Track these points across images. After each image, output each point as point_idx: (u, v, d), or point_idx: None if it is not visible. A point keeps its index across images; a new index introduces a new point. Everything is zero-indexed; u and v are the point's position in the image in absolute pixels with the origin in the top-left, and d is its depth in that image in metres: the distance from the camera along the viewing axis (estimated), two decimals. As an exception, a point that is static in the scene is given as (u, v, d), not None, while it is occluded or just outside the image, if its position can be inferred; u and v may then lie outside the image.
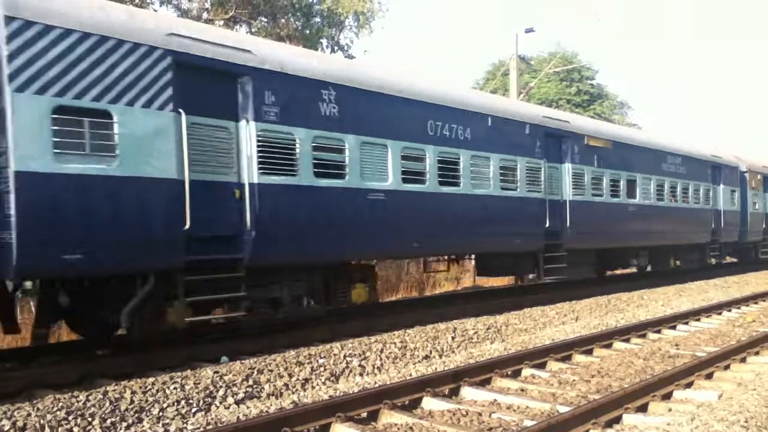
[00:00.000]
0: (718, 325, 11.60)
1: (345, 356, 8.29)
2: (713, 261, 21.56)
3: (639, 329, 10.69)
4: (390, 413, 6.13)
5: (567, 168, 14.31)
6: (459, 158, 11.57)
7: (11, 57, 6.52)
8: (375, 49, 48.51)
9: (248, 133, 8.43)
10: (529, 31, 25.59)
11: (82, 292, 8.01)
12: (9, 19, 6.52)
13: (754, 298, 15.12)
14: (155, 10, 19.72)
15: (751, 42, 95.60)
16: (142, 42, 7.47)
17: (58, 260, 6.77)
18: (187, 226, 7.66)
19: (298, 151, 8.99)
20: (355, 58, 22.35)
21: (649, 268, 19.82)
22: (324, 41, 22.91)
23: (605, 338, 9.85)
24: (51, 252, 6.74)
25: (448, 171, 11.38)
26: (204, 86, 8.09)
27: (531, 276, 14.57)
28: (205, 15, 20.19)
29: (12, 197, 6.50)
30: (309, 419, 5.74)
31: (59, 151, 6.76)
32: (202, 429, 5.96)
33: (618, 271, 19.99)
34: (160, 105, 7.56)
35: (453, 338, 9.75)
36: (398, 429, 5.85)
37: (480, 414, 6.20)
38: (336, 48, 23.20)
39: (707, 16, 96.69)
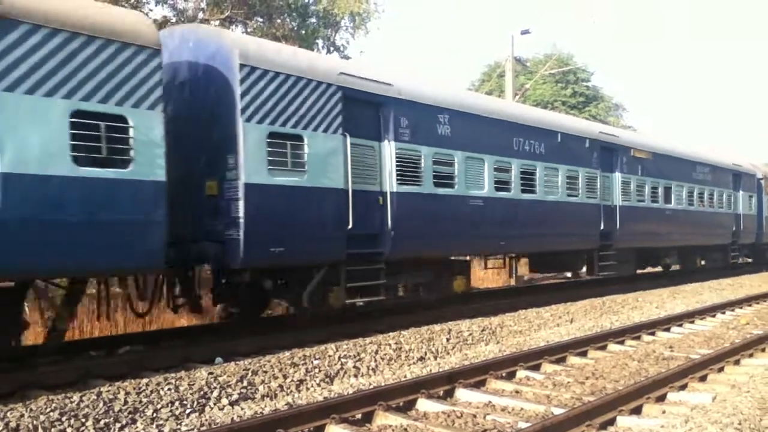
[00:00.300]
0: (712, 328, 11.63)
1: (340, 357, 8.28)
2: (738, 260, 23.82)
3: (633, 331, 10.72)
4: (384, 415, 6.12)
5: (617, 177, 16.43)
6: (535, 169, 13.63)
7: (242, 95, 8.54)
8: (371, 50, 48.57)
9: (389, 151, 10.53)
10: (524, 32, 25.62)
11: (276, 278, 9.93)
12: (242, 66, 8.58)
13: (748, 300, 15.18)
14: (150, 10, 19.68)
15: (746, 42, 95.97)
16: (323, 81, 9.54)
17: (268, 253, 8.74)
18: (350, 226, 9.70)
19: (422, 165, 11.04)
20: (351, 59, 22.34)
21: (677, 267, 21.85)
22: (320, 42, 22.89)
23: (600, 340, 9.87)
24: (264, 246, 8.69)
25: (527, 180, 13.42)
26: (359, 113, 10.10)
27: (582, 271, 16.93)
28: (200, 15, 20.15)
29: (241, 203, 8.45)
30: (303, 420, 5.73)
31: (272, 167, 8.78)
32: (196, 430, 5.95)
33: (648, 270, 21.20)
34: (333, 130, 9.62)
35: (448, 340, 9.76)
36: (393, 430, 5.85)
37: (474, 416, 6.20)
38: (332, 49, 23.19)
39: (702, 16, 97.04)
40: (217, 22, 19.84)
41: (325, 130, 9.47)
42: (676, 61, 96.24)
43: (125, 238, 7.37)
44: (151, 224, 7.57)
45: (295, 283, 9.81)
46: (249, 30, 21.27)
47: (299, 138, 9.14)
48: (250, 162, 8.51)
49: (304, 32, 22.23)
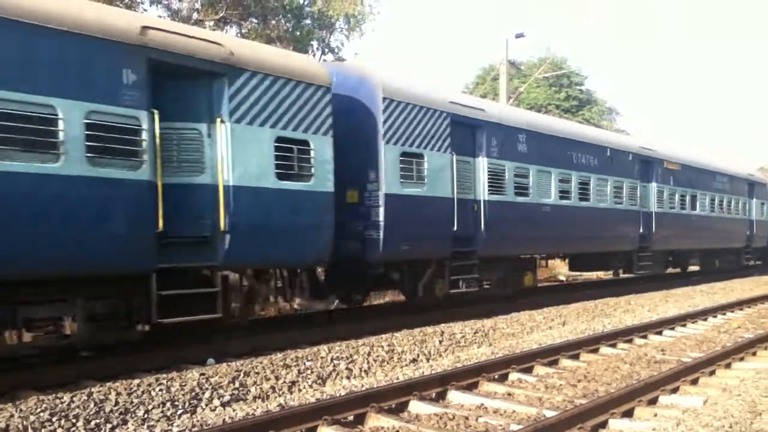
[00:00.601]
0: (704, 331, 11.67)
1: (332, 359, 8.26)
2: (751, 263, 25.95)
3: (625, 334, 10.74)
4: (377, 416, 6.11)
5: (653, 186, 18.66)
6: (590, 180, 15.77)
7: (384, 122, 10.66)
8: (365, 52, 48.60)
9: (482, 165, 12.71)
10: (519, 36, 25.71)
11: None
12: (383, 99, 10.68)
13: (740, 304, 15.24)
14: (145, 10, 19.64)
15: (741, 43, 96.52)
16: (438, 108, 11.71)
17: (399, 250, 10.88)
18: (455, 228, 11.83)
19: (506, 177, 13.11)
20: (345, 60, 22.33)
21: (696, 268, 24.11)
22: (314, 43, 22.89)
23: (592, 343, 9.89)
24: (396, 245, 10.78)
25: (583, 190, 15.56)
26: (461, 134, 12.20)
27: (620, 270, 19.13)
28: (195, 15, 20.11)
29: (381, 210, 10.58)
30: (295, 422, 5.72)
31: (403, 180, 10.96)
32: (187, 431, 5.92)
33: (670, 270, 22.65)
34: (444, 149, 11.79)
35: (440, 342, 9.75)
36: (385, 432, 5.84)
37: (467, 418, 6.20)
38: (326, 50, 23.20)
39: (697, 17, 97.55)
40: (212, 23, 19.82)
41: (439, 149, 11.69)
42: (670, 62, 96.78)
43: (308, 238, 9.51)
44: (324, 226, 9.64)
45: (412, 276, 11.92)
46: (243, 31, 21.25)
47: (421, 156, 11.39)
48: (389, 176, 10.71)
49: (298, 33, 22.23)
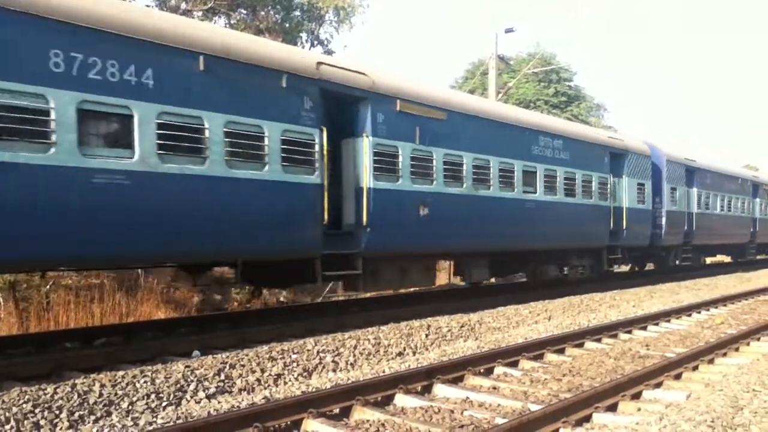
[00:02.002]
0: (688, 327, 11.77)
1: (318, 352, 8.26)
2: (755, 256, 29.17)
3: (610, 329, 10.81)
4: (362, 409, 6.12)
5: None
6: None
7: (666, 172, 19.29)
8: (355, 45, 48.41)
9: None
10: (509, 31, 25.69)
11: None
12: (666, 161, 19.08)
13: (723, 300, 15.38)
14: (133, -1, 19.42)
15: (735, 41, 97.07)
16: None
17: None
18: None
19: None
20: (334, 53, 22.26)
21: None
22: (303, 35, 22.78)
23: (577, 338, 9.94)
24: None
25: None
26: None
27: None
28: (183, 5, 19.94)
29: (663, 219, 19.48)
30: (281, 415, 5.71)
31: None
32: (172, 423, 5.89)
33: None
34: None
35: (427, 336, 9.77)
36: (370, 425, 5.84)
37: (452, 411, 6.21)
38: (315, 43, 23.09)
39: (688, 14, 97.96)
40: (200, 14, 19.66)
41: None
42: (660, 58, 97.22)
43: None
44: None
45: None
46: (232, 22, 21.10)
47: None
48: (665, 198, 19.29)
49: (287, 25, 22.11)
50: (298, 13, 22.74)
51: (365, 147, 10.37)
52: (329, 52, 22.70)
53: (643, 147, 18.88)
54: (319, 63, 9.92)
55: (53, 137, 6.81)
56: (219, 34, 9.16)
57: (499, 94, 26.01)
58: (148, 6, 19.20)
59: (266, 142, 8.88)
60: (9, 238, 6.61)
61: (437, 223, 11.64)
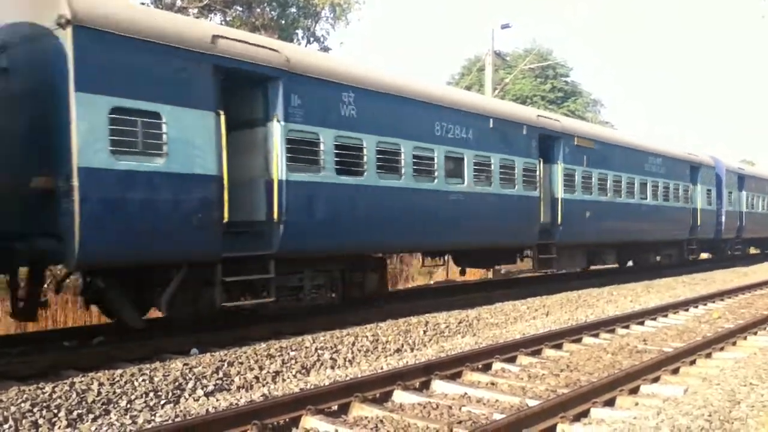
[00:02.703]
0: (685, 321, 11.79)
1: (316, 349, 8.26)
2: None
3: (608, 324, 10.83)
4: (360, 406, 6.12)
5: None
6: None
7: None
8: (351, 41, 48.32)
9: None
10: (505, 27, 25.67)
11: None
12: (726, 172, 24.33)
13: (720, 295, 15.41)
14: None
15: (728, 40, 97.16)
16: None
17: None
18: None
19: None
20: (331, 50, 22.22)
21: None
22: (299, 32, 22.74)
23: (575, 333, 9.96)
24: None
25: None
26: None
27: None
28: (178, 2, 19.89)
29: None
30: (279, 412, 5.71)
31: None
32: (170, 421, 5.90)
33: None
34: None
35: (425, 332, 9.78)
36: (369, 422, 5.85)
37: (450, 407, 6.22)
38: (312, 39, 23.05)
39: (684, 11, 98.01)
40: (195, 11, 19.62)
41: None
42: (656, 53, 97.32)
43: None
44: None
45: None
46: (228, 19, 21.06)
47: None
48: (725, 200, 22.95)
49: (283, 22, 22.07)
50: (293, 9, 22.71)
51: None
52: (325, 49, 22.68)
53: (710, 160, 24.12)
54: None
55: (435, 173, 11.82)
56: None
57: (496, 90, 25.99)
58: (143, 3, 19.15)
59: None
60: (417, 235, 11.70)
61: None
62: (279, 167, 9.04)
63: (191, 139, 8.05)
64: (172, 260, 8.26)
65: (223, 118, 8.34)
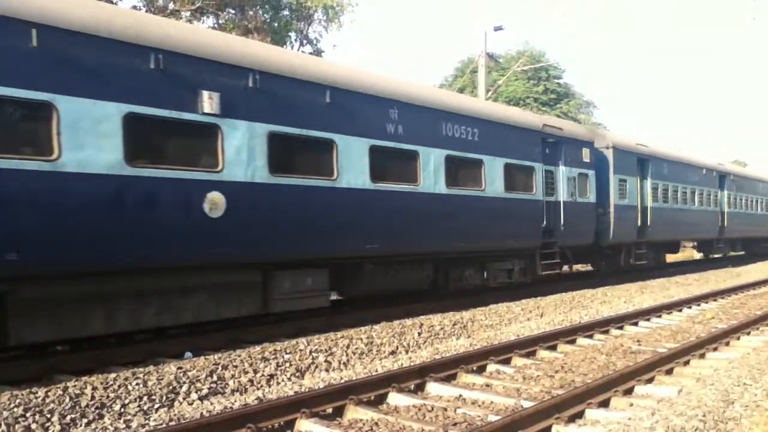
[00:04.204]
0: (679, 322, 11.83)
1: (311, 352, 8.25)
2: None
3: (602, 325, 10.85)
4: (355, 409, 6.11)
5: (725, 194, 27.21)
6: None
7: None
8: (344, 44, 48.33)
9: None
10: (498, 29, 25.71)
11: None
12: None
13: (714, 295, 15.47)
14: (121, 0, 19.35)
15: (715, 42, 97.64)
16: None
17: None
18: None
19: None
20: (324, 52, 22.22)
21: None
22: (292, 35, 22.74)
23: (569, 334, 9.97)
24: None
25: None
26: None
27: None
28: (171, 5, 19.85)
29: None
30: (274, 415, 5.70)
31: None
32: (164, 425, 5.87)
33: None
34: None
35: (419, 334, 9.78)
36: (363, 424, 5.84)
37: (445, 409, 6.22)
38: (305, 42, 23.05)
39: (678, 13, 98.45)
40: (188, 14, 19.59)
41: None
42: (648, 54, 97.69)
43: None
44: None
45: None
46: (221, 22, 21.03)
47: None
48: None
49: (276, 25, 22.06)
50: (286, 12, 22.70)
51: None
52: (318, 52, 22.67)
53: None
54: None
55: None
56: None
57: (488, 92, 26.04)
58: (135, 6, 19.11)
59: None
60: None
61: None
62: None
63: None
64: None
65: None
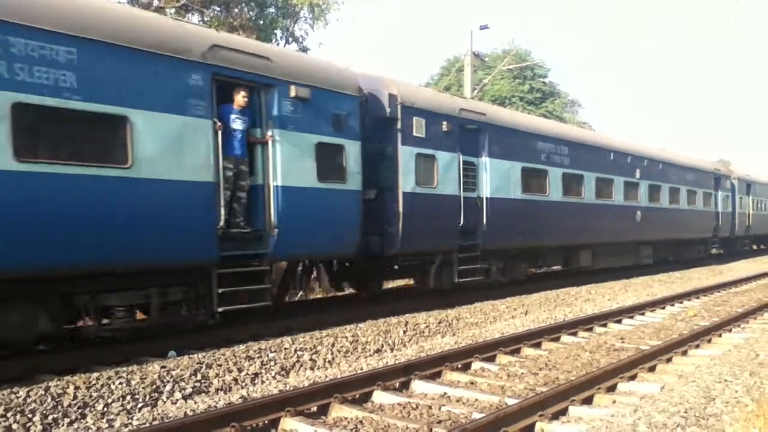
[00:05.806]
0: (662, 320, 11.93)
1: (296, 350, 8.23)
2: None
3: (586, 323, 10.92)
4: (340, 407, 6.11)
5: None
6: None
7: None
8: (330, 42, 48.23)
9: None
10: (483, 27, 25.75)
11: None
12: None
13: (696, 293, 15.62)
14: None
15: (700, 42, 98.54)
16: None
17: None
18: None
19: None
20: (310, 50, 22.19)
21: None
22: (278, 32, 22.63)
23: (553, 332, 10.03)
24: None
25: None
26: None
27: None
28: (155, 2, 19.70)
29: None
30: (258, 414, 5.69)
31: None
32: (147, 425, 5.84)
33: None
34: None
35: (404, 332, 9.79)
36: (348, 423, 5.84)
37: (430, 407, 6.23)
38: (290, 39, 22.96)
39: (665, 14, 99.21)
40: (173, 11, 19.45)
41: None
42: (636, 53, 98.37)
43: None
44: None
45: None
46: (206, 19, 20.90)
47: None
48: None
49: (262, 23, 21.95)
50: (272, 10, 22.59)
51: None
52: (304, 50, 22.60)
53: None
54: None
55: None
56: None
57: (474, 90, 26.09)
58: (119, 2, 18.93)
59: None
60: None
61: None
62: None
63: None
64: None
65: None
